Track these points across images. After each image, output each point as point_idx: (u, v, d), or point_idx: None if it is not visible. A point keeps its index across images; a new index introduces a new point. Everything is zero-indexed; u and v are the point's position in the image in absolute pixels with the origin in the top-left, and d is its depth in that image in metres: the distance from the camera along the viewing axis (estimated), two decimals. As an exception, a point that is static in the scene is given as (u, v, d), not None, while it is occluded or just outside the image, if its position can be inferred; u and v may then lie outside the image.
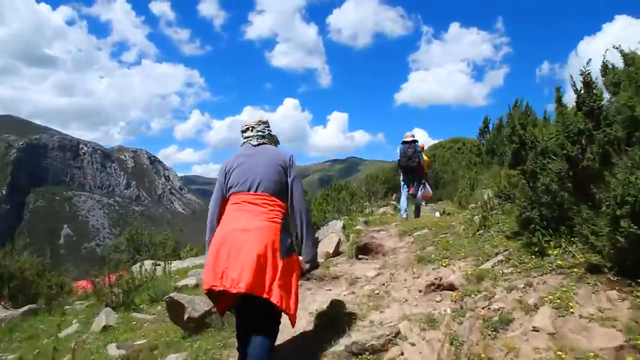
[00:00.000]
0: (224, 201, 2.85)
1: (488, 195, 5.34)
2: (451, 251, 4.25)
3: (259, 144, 2.95)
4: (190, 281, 6.03)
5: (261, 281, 2.48)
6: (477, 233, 4.55)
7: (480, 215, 4.83)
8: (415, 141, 8.44)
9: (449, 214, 8.11)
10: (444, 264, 3.95)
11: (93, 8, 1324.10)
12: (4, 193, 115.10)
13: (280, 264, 2.57)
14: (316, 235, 6.52)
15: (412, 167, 8.29)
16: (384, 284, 4.11)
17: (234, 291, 2.44)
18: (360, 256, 5.25)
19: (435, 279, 3.71)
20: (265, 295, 2.48)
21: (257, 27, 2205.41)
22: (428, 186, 8.57)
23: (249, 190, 2.74)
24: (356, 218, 7.84)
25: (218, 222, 2.80)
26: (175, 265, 8.99)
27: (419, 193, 8.34)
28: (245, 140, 3.01)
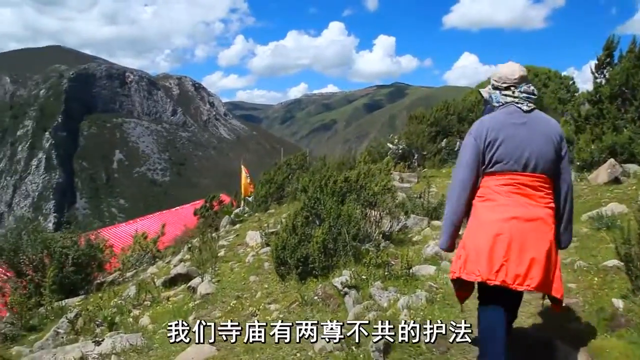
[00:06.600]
0: (476, 179, 2.42)
1: None
2: None
3: (530, 110, 2.45)
4: None
5: (549, 277, 2.33)
6: None
7: None
8: None
9: None
10: None
11: None
12: (60, 121, 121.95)
13: (558, 256, 2.43)
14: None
15: None
16: None
17: (520, 289, 2.29)
18: None
19: None
20: (553, 293, 2.37)
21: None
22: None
23: (524, 169, 2.34)
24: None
25: (468, 204, 2.45)
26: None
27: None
28: (508, 102, 2.48)
